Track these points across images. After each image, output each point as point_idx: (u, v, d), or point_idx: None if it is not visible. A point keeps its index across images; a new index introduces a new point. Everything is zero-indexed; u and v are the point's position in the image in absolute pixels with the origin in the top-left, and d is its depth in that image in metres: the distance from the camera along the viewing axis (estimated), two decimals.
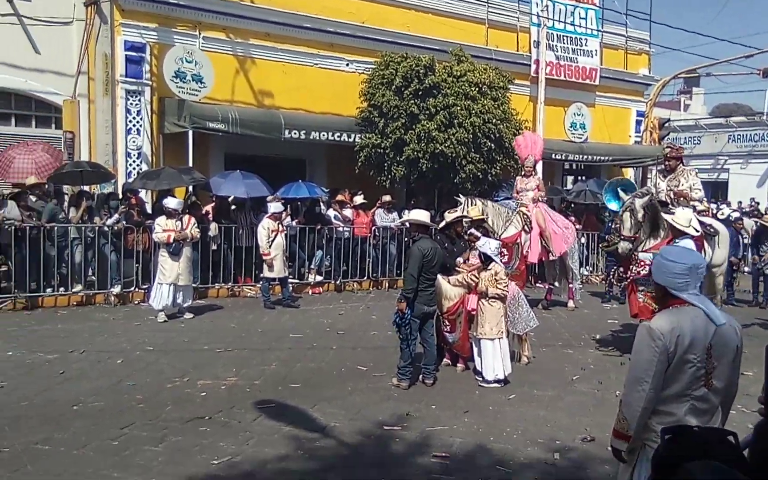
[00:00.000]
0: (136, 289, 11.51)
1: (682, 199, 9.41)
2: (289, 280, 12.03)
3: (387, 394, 7.09)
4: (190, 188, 12.96)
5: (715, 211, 14.65)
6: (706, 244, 9.31)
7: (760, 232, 13.94)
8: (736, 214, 15.94)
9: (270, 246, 11.22)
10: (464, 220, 9.01)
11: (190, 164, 12.88)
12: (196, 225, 10.62)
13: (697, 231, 8.60)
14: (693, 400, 3.11)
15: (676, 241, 8.14)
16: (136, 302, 11.42)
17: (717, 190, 28.81)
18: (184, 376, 7.39)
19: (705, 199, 11.57)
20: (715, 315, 3.14)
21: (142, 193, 12.95)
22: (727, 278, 11.94)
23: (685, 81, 34.02)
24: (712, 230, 9.83)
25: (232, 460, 5.22)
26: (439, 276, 7.68)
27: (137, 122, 13.55)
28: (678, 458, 1.52)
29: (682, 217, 8.46)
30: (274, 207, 11.53)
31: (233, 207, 13.14)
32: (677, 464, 1.37)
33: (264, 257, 11.32)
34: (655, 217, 8.69)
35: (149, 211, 12.68)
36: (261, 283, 11.80)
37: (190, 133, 13.04)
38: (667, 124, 21.35)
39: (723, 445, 1.52)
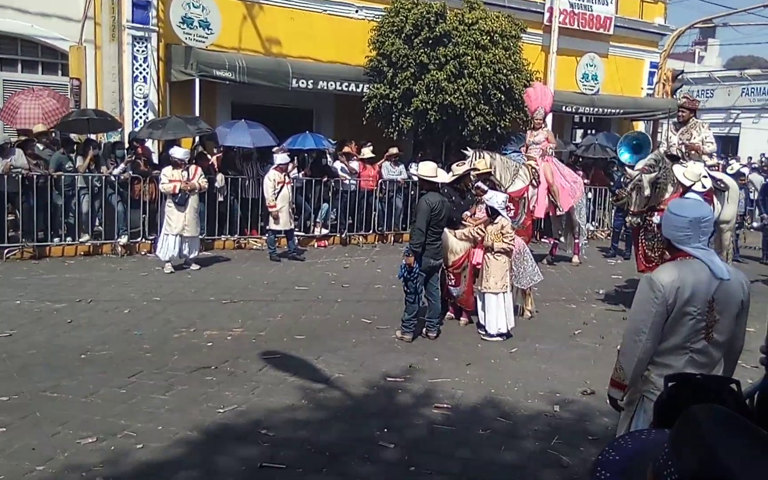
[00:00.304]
0: (143, 240, 11.57)
1: (693, 152, 9.30)
2: (295, 233, 12.05)
3: (391, 347, 7.17)
4: (197, 138, 12.90)
5: (724, 166, 14.48)
6: (715, 199, 9.25)
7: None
8: (745, 170, 15.78)
9: (276, 198, 11.22)
10: (472, 173, 8.95)
11: (197, 113, 12.79)
12: (202, 175, 10.59)
13: (704, 187, 8.54)
14: (692, 353, 3.14)
15: (686, 196, 8.09)
16: (143, 253, 11.49)
17: (728, 145, 28.49)
18: (191, 327, 7.49)
19: (716, 153, 11.42)
20: (720, 269, 3.14)
21: (149, 143, 12.91)
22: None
23: (700, 31, 33.28)
24: (722, 185, 9.76)
25: (238, 408, 5.32)
26: (445, 229, 7.68)
27: (144, 69, 13.43)
28: (680, 404, 1.55)
29: (691, 172, 8.40)
30: (281, 158, 11.48)
31: (240, 157, 13.09)
32: (679, 410, 1.40)
33: (270, 209, 11.33)
34: (665, 180, 8.64)
35: (156, 161, 12.66)
36: (267, 235, 11.83)
37: (197, 81, 12.92)
38: (680, 77, 20.91)
39: (726, 393, 1.54)
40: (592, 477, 1.28)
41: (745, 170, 15.90)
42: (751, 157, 23.15)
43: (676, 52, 26.16)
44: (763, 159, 22.52)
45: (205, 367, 6.22)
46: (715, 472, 1.04)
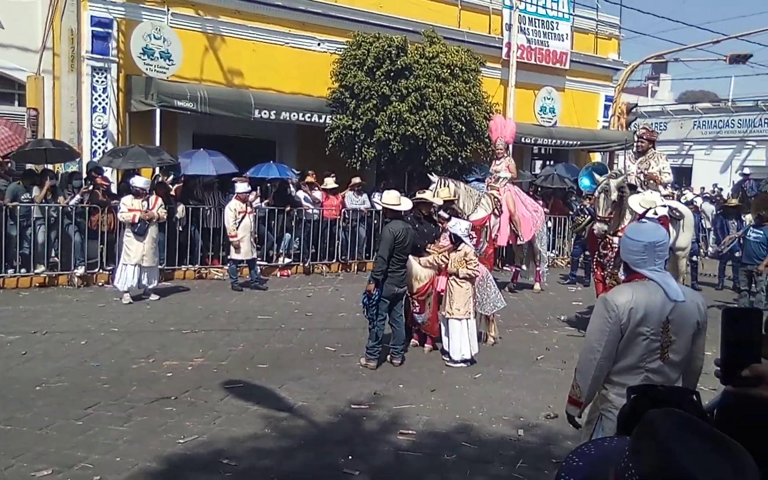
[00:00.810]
0: (101, 271, 11.33)
1: (651, 181, 9.56)
2: (257, 263, 11.96)
3: (355, 374, 7.12)
4: (157, 169, 12.76)
5: (678, 196, 14.91)
6: (671, 227, 9.49)
7: (720, 216, 14.23)
8: (698, 200, 16.29)
9: (237, 227, 11.13)
10: (435, 201, 9.03)
11: (158, 144, 12.68)
12: (162, 205, 10.47)
13: (656, 214, 8.76)
14: (648, 373, 3.19)
15: (642, 221, 8.29)
16: (101, 283, 11.25)
17: (681, 176, 29.31)
18: (150, 357, 7.33)
19: (672, 183, 11.76)
20: (675, 291, 3.21)
21: (108, 173, 12.73)
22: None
23: (653, 67, 34.45)
24: (678, 214, 10.03)
25: (199, 438, 5.20)
26: (410, 257, 7.72)
27: (103, 100, 13.29)
28: (641, 415, 1.58)
29: (645, 200, 8.63)
30: (241, 187, 11.43)
31: (201, 186, 12.98)
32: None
33: (231, 239, 11.24)
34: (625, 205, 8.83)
35: (114, 190, 12.46)
36: (228, 265, 11.70)
37: (158, 111, 12.83)
38: (634, 110, 21.58)
39: (686, 404, 1.57)
40: None
41: (698, 200, 16.42)
42: (703, 188, 23.86)
43: (630, 86, 26.99)
44: (715, 189, 23.24)
45: (165, 397, 6.08)
46: (673, 472, 1.06)
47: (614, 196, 8.52)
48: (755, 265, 10.35)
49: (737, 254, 12.06)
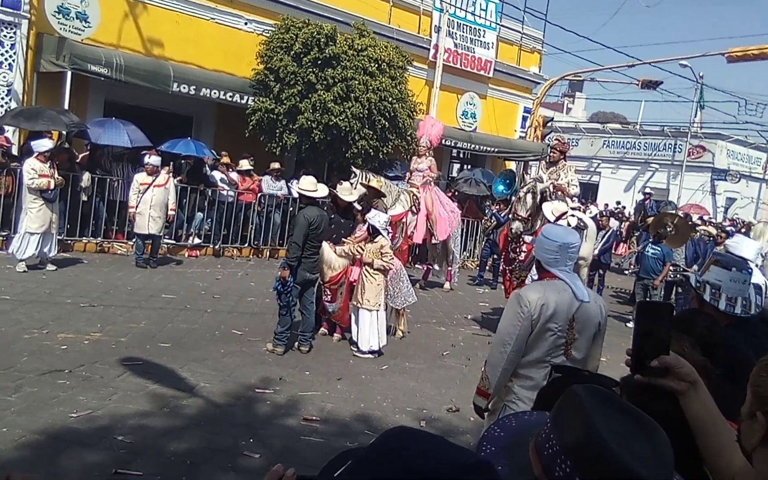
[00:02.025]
0: None
1: (560, 192, 9.90)
2: (166, 241, 11.55)
3: (261, 359, 7.01)
4: (64, 134, 12.10)
5: (584, 209, 15.55)
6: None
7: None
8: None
9: (138, 200, 10.75)
10: (357, 192, 9.06)
11: (66, 107, 12.02)
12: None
13: (570, 224, 9.11)
14: (546, 365, 3.31)
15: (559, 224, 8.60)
16: None
17: (588, 191, 30.67)
18: (43, 328, 6.95)
19: (578, 196, 12.24)
20: (581, 291, 3.37)
21: (9, 133, 11.96)
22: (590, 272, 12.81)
23: (570, 84, 35.82)
24: (582, 224, 10.43)
25: (92, 414, 4.98)
26: (325, 243, 7.68)
27: (10, 56, 12.46)
28: (561, 393, 1.63)
29: (556, 209, 8.95)
30: (153, 159, 11.03)
31: (109, 157, 12.41)
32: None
33: (129, 210, 10.90)
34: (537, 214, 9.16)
35: (15, 153, 11.74)
36: (135, 239, 11.25)
37: (69, 74, 12.16)
38: (550, 123, 22.36)
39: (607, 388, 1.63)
40: (477, 451, 1.31)
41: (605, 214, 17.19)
42: (607, 204, 24.98)
43: (547, 101, 27.94)
44: (618, 206, 24.39)
45: (58, 370, 5.77)
46: (594, 444, 1.08)
47: (539, 198, 8.84)
48: (651, 280, 10.93)
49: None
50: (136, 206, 10.80)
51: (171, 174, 11.66)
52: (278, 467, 0.97)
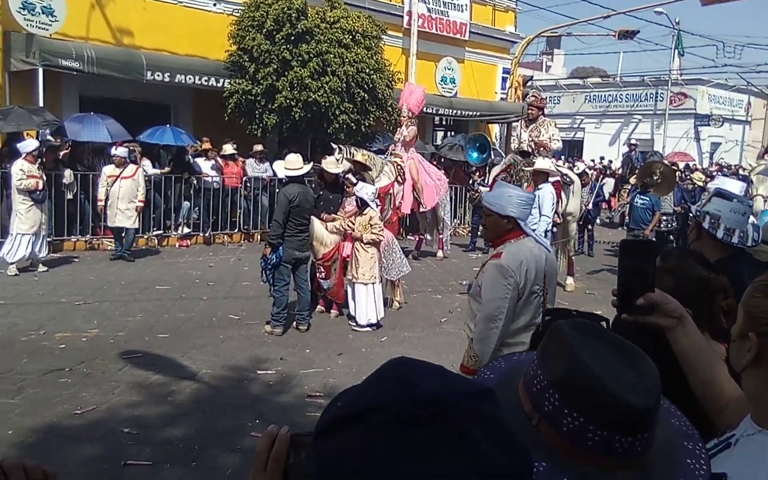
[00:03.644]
0: None
1: (542, 149, 9.90)
2: (150, 234, 11.45)
3: (260, 341, 7.02)
4: (44, 131, 11.92)
5: (570, 166, 15.58)
6: (562, 193, 9.91)
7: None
8: (589, 171, 17.18)
9: (107, 193, 10.65)
10: (344, 165, 9.03)
11: (41, 105, 11.82)
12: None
13: (565, 176, 9.19)
14: (534, 326, 3.25)
15: (539, 187, 8.60)
16: None
17: (574, 148, 30.76)
18: (40, 329, 6.90)
19: (563, 154, 12.30)
20: (544, 241, 3.36)
21: None
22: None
23: (547, 42, 35.69)
24: (568, 179, 10.46)
25: (96, 409, 4.97)
26: (315, 220, 7.65)
27: None
28: None
29: (543, 165, 8.96)
30: (120, 150, 10.90)
31: (90, 152, 12.27)
32: None
33: (98, 203, 10.83)
34: (517, 178, 9.18)
35: None
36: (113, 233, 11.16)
37: (40, 70, 11.95)
38: (530, 83, 22.27)
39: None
40: None
41: (589, 172, 17.26)
42: (594, 160, 25.04)
43: (526, 61, 27.84)
44: (603, 160, 24.45)
45: (59, 369, 5.75)
46: (580, 375, 1.08)
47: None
48: (642, 230, 10.99)
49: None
50: (105, 199, 10.69)
51: (141, 165, 11.54)
52: (272, 428, 0.96)
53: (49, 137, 11.72)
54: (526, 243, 3.27)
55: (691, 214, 2.91)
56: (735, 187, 6.23)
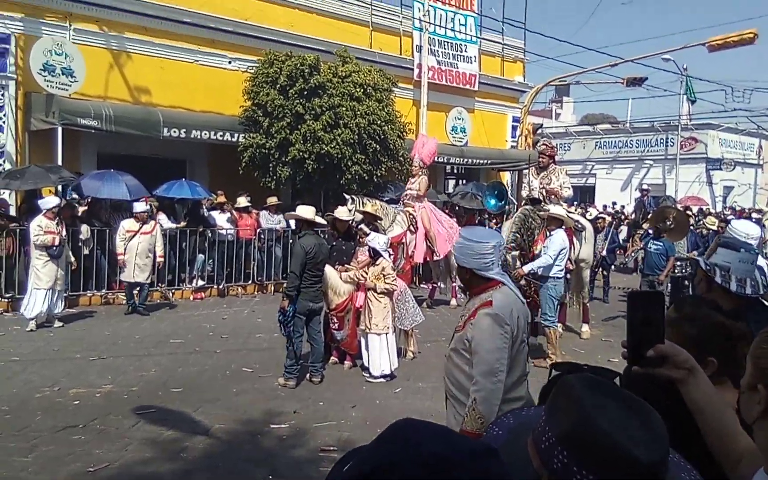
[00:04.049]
0: (0, 299, 10.64)
1: (553, 196, 9.94)
2: (164, 288, 11.53)
3: (274, 394, 6.98)
4: (59, 188, 12.15)
5: (583, 213, 15.59)
6: (574, 239, 9.90)
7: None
8: (604, 216, 17.15)
9: (125, 247, 10.78)
10: (356, 215, 9.10)
11: (60, 163, 12.07)
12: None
13: (577, 222, 9.20)
14: (525, 378, 3.19)
15: (550, 234, 8.60)
16: None
17: (585, 194, 30.76)
18: (55, 386, 6.92)
19: (575, 200, 12.33)
20: (518, 290, 3.29)
21: (5, 195, 12.02)
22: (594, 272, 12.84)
23: (556, 90, 36.07)
24: (580, 226, 10.45)
25: (110, 466, 4.94)
26: (330, 269, 7.68)
27: (0, 119, 12.56)
28: None
29: (557, 211, 8.98)
30: (139, 207, 11.06)
31: (108, 208, 12.45)
32: None
33: (117, 257, 10.91)
34: (530, 233, 9.20)
35: (13, 213, 11.78)
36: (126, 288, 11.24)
37: (60, 129, 12.23)
38: (540, 131, 22.49)
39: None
40: None
41: (604, 216, 17.24)
42: (606, 206, 25.00)
43: (536, 109, 28.14)
44: (614, 206, 24.41)
45: (72, 426, 5.74)
46: (588, 431, 1.08)
47: (518, 266, 8.83)
48: (657, 275, 10.91)
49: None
50: (124, 253, 10.82)
51: (157, 220, 11.72)
52: None
53: (74, 196, 11.97)
54: (504, 290, 3.14)
55: (700, 267, 2.88)
56: (750, 228, 6.19)
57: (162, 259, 11.38)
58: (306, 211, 7.74)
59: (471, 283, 3.26)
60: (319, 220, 8.12)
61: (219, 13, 14.92)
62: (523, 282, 9.03)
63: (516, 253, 9.02)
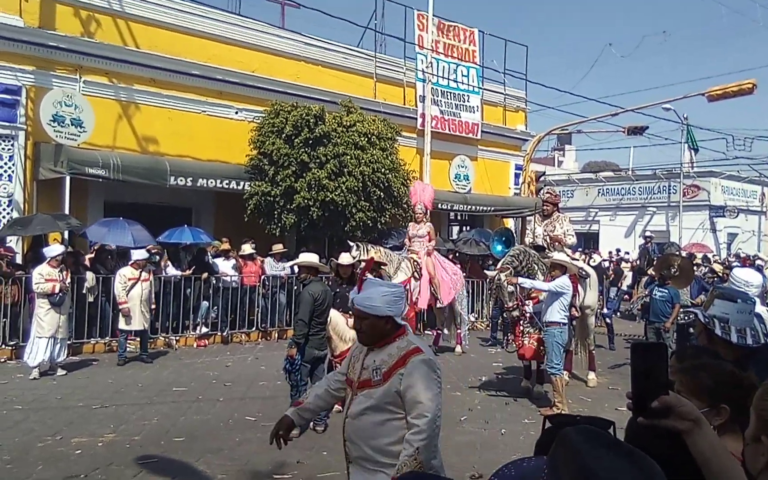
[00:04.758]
0: (3, 346, 10.64)
1: (557, 243, 9.97)
2: (168, 336, 11.53)
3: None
4: (66, 236, 12.25)
5: (587, 260, 15.60)
6: (579, 286, 9.89)
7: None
8: (606, 263, 17.16)
9: (127, 295, 10.78)
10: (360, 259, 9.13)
11: (67, 212, 12.19)
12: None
13: (582, 271, 9.22)
14: None
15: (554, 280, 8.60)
16: (2, 360, 10.54)
17: (589, 241, 30.76)
18: (57, 435, 6.88)
19: (579, 248, 12.37)
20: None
21: (12, 243, 12.11)
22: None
23: (558, 138, 36.42)
24: (584, 273, 10.46)
25: None
26: (337, 313, 7.68)
27: (9, 168, 12.72)
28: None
29: (560, 257, 9.01)
30: (138, 254, 11.11)
31: (114, 256, 12.53)
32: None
33: (120, 306, 10.86)
34: (530, 270, 9.22)
35: (19, 261, 11.86)
36: (119, 336, 11.15)
37: (67, 179, 12.38)
38: (542, 178, 22.66)
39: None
40: None
41: (606, 263, 17.26)
42: (610, 252, 24.98)
43: (538, 156, 28.35)
44: (619, 253, 24.38)
45: (74, 476, 5.69)
46: None
47: (510, 288, 8.88)
48: (662, 322, 10.85)
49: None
50: (126, 301, 10.78)
51: (164, 267, 11.78)
52: None
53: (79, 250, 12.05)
54: (414, 335, 3.12)
55: (699, 320, 2.88)
56: (750, 276, 6.18)
57: (154, 307, 11.42)
58: (310, 258, 7.77)
59: (386, 333, 3.12)
60: (323, 267, 8.15)
61: (227, 66, 15.23)
62: (516, 313, 9.03)
63: (516, 313, 9.04)
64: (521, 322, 9.27)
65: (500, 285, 8.94)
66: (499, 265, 9.27)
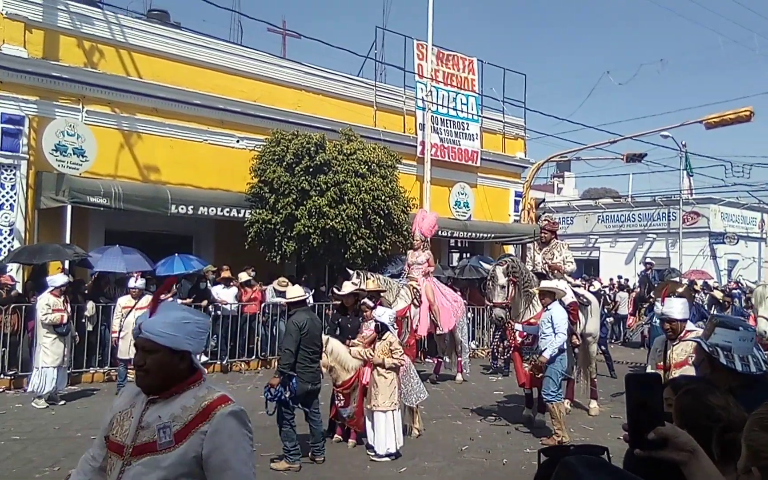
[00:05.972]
0: (2, 376, 10.60)
1: (556, 271, 9.97)
2: None
3: (276, 475, 6.86)
4: (66, 265, 12.26)
5: (588, 286, 15.59)
6: (580, 313, 9.87)
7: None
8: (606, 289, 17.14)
9: (121, 323, 10.64)
10: (360, 292, 9.13)
11: (68, 240, 12.22)
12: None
13: (576, 296, 9.18)
14: None
15: (548, 308, 8.56)
16: (1, 389, 10.49)
17: (590, 267, 30.78)
18: (55, 465, 6.83)
19: (579, 276, 12.36)
20: None
21: (12, 272, 12.12)
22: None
23: (557, 165, 36.57)
24: (585, 300, 10.44)
25: None
26: (339, 344, 7.65)
27: (10, 197, 12.76)
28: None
29: (549, 285, 8.99)
30: (133, 282, 11.08)
31: (113, 284, 12.54)
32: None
33: (111, 334, 10.82)
34: (526, 284, 9.20)
35: (20, 290, 11.86)
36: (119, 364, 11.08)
37: (69, 207, 12.42)
38: (542, 205, 22.74)
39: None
40: None
41: (606, 289, 17.24)
42: (612, 278, 24.97)
43: (537, 183, 28.49)
44: (620, 279, 24.37)
45: None
46: None
47: (503, 280, 8.89)
48: None
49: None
50: (119, 331, 10.52)
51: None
52: None
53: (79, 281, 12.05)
54: (213, 384, 2.52)
55: (701, 348, 2.88)
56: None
57: None
58: (296, 291, 7.68)
59: (179, 376, 2.43)
60: (309, 298, 8.04)
61: (228, 95, 15.36)
62: (503, 314, 8.99)
63: (502, 313, 9.00)
64: (524, 347, 9.25)
65: (494, 276, 8.97)
66: (495, 263, 9.28)
